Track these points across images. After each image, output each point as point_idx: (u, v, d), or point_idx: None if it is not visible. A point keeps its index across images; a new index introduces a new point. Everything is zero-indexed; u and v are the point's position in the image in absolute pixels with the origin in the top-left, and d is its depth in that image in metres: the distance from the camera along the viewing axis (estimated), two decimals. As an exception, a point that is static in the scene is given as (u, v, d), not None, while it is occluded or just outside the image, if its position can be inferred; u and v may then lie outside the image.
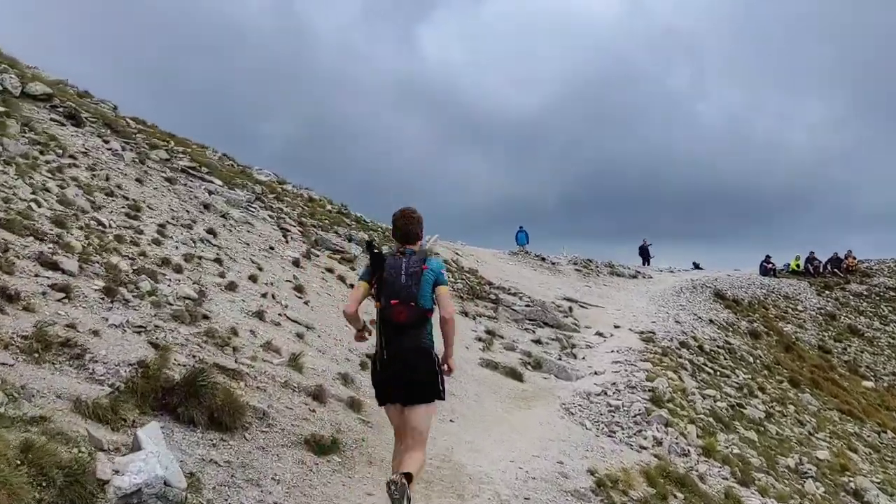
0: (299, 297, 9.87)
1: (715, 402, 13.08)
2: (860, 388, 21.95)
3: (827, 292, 32.13)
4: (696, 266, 40.54)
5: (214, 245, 10.13)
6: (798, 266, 34.67)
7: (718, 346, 18.58)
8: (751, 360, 18.97)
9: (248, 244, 11.53)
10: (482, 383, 10.40)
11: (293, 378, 6.82)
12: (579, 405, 10.49)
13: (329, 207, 20.64)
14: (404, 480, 4.19)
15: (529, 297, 19.60)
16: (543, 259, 31.15)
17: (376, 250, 4.71)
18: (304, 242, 14.50)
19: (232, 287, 8.75)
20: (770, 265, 34.09)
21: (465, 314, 15.37)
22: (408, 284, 4.49)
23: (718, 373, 16.00)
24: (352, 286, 10.01)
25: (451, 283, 17.45)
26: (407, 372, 4.52)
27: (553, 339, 15.41)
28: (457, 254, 27.37)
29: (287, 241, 13.61)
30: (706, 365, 16.20)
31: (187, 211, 11.41)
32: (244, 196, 15.22)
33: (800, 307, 30.00)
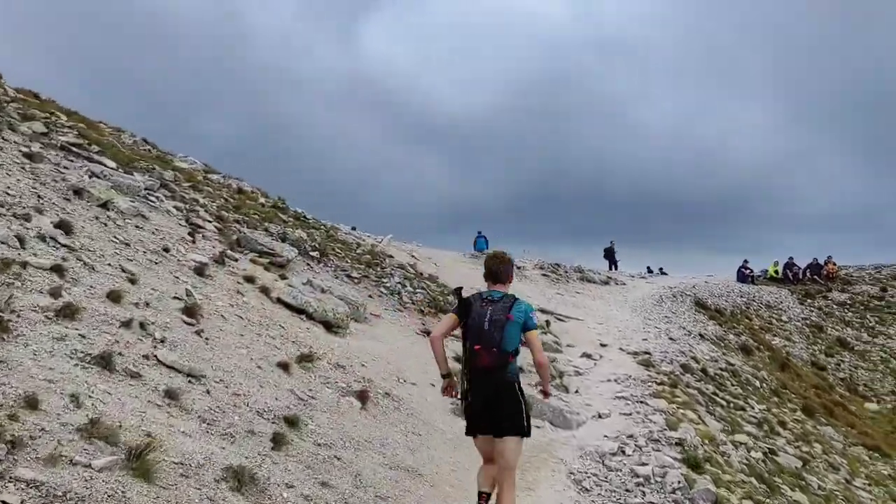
0: (189, 325, 6.61)
1: (748, 451, 10.23)
2: (865, 412, 19.56)
3: (809, 301, 30.00)
4: (661, 271, 38.27)
5: (62, 245, 6.79)
6: (776, 272, 32.52)
7: (721, 369, 15.86)
8: (757, 384, 16.31)
9: (127, 244, 8.20)
10: (457, 446, 7.30)
11: (128, 495, 3.61)
12: (594, 475, 7.47)
13: (262, 201, 17.26)
14: None
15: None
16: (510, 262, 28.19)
17: (463, 296, 4.94)
18: (220, 242, 11.19)
19: (68, 313, 5.45)
20: (748, 271, 31.84)
21: (428, 334, 12.23)
22: (490, 331, 4.70)
23: (732, 405, 13.23)
24: (279, 300, 9.31)
25: (409, 292, 14.33)
26: (494, 407, 4.72)
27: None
28: (413, 257, 24.28)
29: (194, 241, 10.30)
30: (717, 395, 13.41)
31: (39, 196, 8.01)
32: (143, 182, 11.80)
33: (784, 317, 27.73)
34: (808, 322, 27.64)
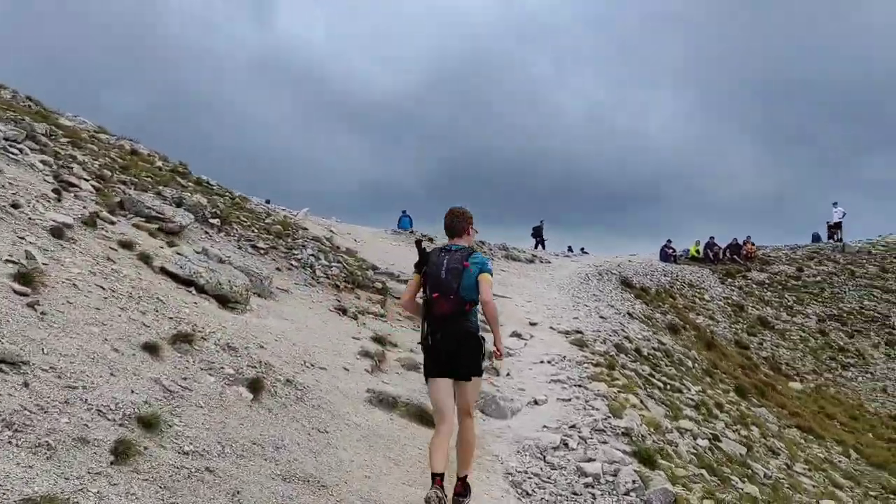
0: (19, 296, 5.04)
1: (694, 439, 9.36)
2: (790, 392, 19.35)
3: (729, 280, 30.04)
4: (583, 251, 37.93)
5: None
6: (698, 252, 32.49)
7: (654, 349, 15.11)
8: (689, 364, 15.67)
9: (-44, 196, 6.48)
10: (373, 444, 6.01)
11: None
12: (535, 475, 6.31)
13: (160, 164, 15.37)
14: (439, 499, 4.54)
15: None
16: (431, 240, 26.98)
17: (423, 247, 5.23)
18: (96, 203, 9.47)
19: None
20: (671, 250, 31.67)
21: (343, 311, 10.87)
22: (447, 279, 4.87)
23: (669, 386, 12.43)
24: (163, 269, 8.15)
25: (324, 266, 12.88)
26: (455, 354, 4.90)
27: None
28: (331, 231, 22.79)
29: (59, 200, 8.57)
30: (653, 377, 12.58)
31: None
32: (4, 131, 9.91)
33: (706, 296, 27.60)
34: (729, 301, 27.59)
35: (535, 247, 33.88)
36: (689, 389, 12.85)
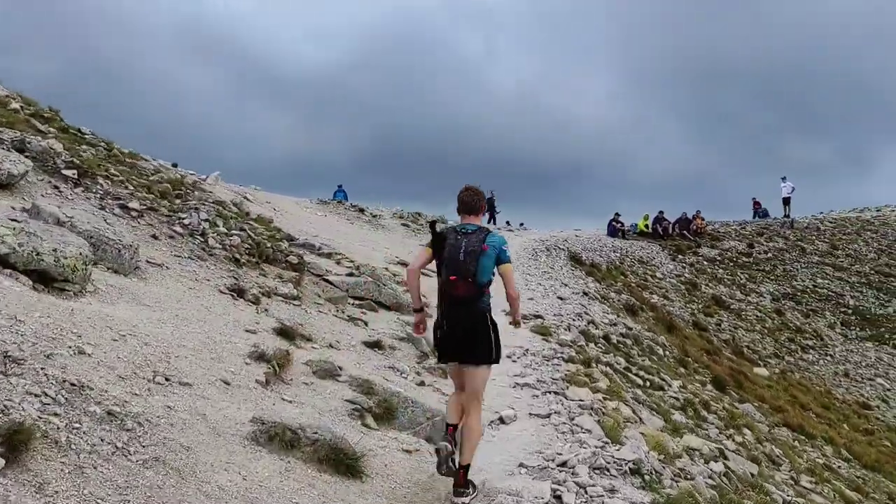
0: None
1: (706, 463, 7.10)
2: (759, 379, 17.59)
3: (680, 257, 28.39)
4: (521, 226, 35.79)
5: None
6: (646, 227, 30.74)
7: (622, 335, 12.93)
8: (660, 352, 13.56)
9: None
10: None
11: None
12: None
13: (16, 106, 12.16)
14: (465, 498, 4.61)
15: (352, 262, 12.71)
16: (362, 210, 24.29)
17: (437, 230, 4.94)
18: None
19: None
20: (619, 225, 29.80)
21: (240, 293, 8.15)
22: (465, 262, 4.69)
23: (649, 383, 10.22)
24: None
25: (220, 234, 10.09)
26: (465, 338, 4.77)
27: (401, 339, 8.68)
28: (245, 198, 19.81)
29: None
30: (630, 370, 10.36)
31: None
32: None
33: (658, 274, 25.81)
34: (682, 279, 25.88)
35: (489, 221, 31.51)
36: (671, 386, 10.68)
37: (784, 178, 35.76)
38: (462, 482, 4.66)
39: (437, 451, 4.68)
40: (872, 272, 29.04)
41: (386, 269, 13.38)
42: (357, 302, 10.43)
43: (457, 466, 4.68)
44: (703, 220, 31.71)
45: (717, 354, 18.03)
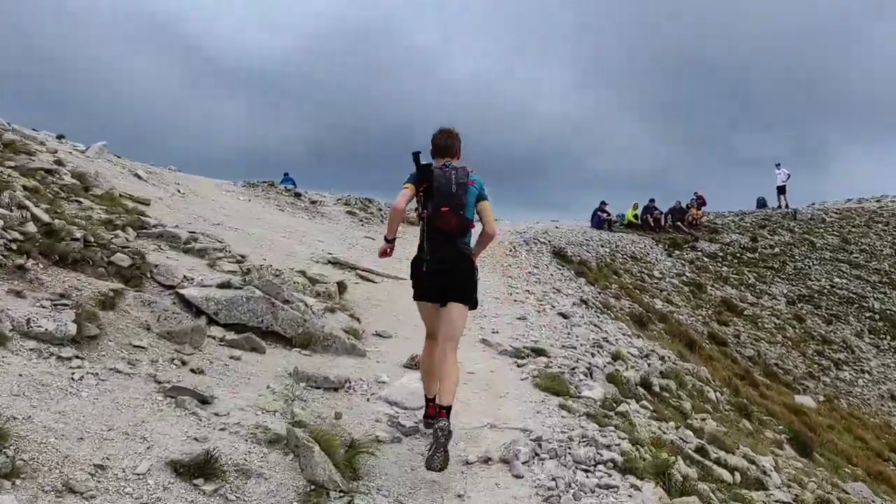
0: None
1: None
2: (809, 415, 13.44)
3: (677, 252, 24.28)
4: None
5: None
6: (636, 217, 26.58)
7: (662, 374, 8.58)
8: (713, 395, 9.26)
9: None
10: None
11: None
12: None
13: None
14: (448, 426, 4.20)
15: (239, 261, 8.13)
16: (298, 196, 19.61)
17: (425, 163, 4.71)
18: None
19: None
20: (605, 215, 25.57)
21: None
22: (458, 193, 4.58)
23: (739, 476, 5.85)
24: None
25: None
26: (450, 274, 4.64)
27: (274, 442, 4.09)
28: (137, 175, 15.33)
29: None
30: (706, 456, 5.96)
31: None
32: None
33: (655, 272, 21.65)
34: (683, 279, 21.75)
35: None
36: (769, 476, 6.32)
37: (778, 165, 31.96)
38: (445, 415, 4.27)
39: (439, 430, 4.14)
40: (893, 270, 25.32)
41: (304, 273, 8.81)
42: (230, 336, 5.88)
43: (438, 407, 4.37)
44: (699, 209, 27.68)
45: (747, 377, 13.88)
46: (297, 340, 6.40)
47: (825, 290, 23.35)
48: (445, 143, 4.81)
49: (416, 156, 4.74)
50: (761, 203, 31.43)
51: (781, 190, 31.60)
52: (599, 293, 15.71)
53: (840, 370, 18.28)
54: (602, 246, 22.45)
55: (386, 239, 5.06)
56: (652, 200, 26.95)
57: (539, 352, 7.10)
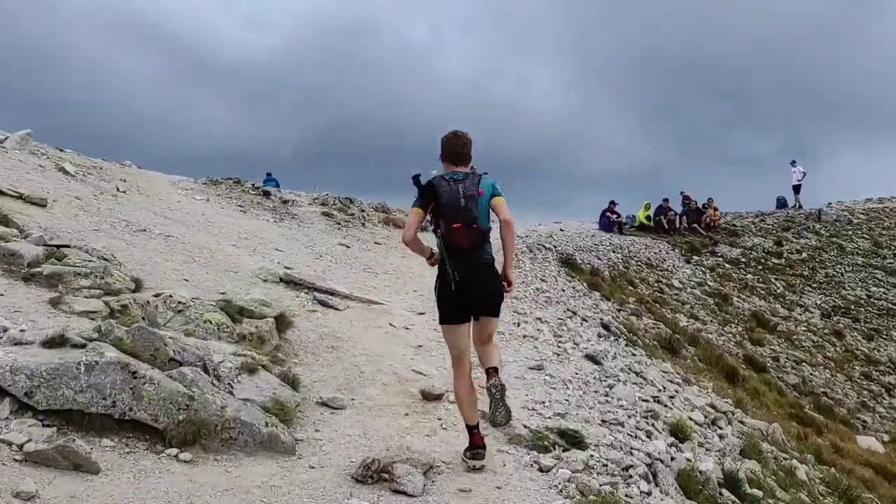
0: None
1: None
2: (868, 456, 10.91)
3: (696, 258, 21.75)
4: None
5: None
6: (648, 218, 24.03)
7: (742, 452, 6.01)
8: (797, 470, 6.69)
9: None
10: None
11: None
12: None
13: None
14: (500, 381, 4.30)
15: (129, 285, 5.49)
16: (268, 194, 17.00)
17: (424, 182, 4.45)
18: None
19: None
20: (615, 216, 23.03)
21: None
22: (467, 207, 4.35)
23: None
24: None
25: None
26: (476, 289, 4.40)
27: None
28: (62, 170, 12.95)
29: None
30: None
31: None
32: None
33: (675, 282, 19.12)
34: (705, 289, 19.22)
35: None
36: None
37: (794, 162, 29.40)
38: (496, 378, 4.32)
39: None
40: (934, 277, 22.84)
41: (231, 302, 6.19)
42: (38, 441, 3.31)
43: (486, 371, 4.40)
44: (716, 209, 25.17)
45: (809, 421, 11.35)
46: (173, 434, 3.82)
47: (861, 301, 20.85)
48: (460, 150, 4.62)
49: (416, 179, 4.51)
50: (781, 203, 28.91)
51: (796, 189, 29.13)
52: (619, 311, 13.17)
53: (893, 396, 15.78)
54: (613, 251, 19.92)
55: (426, 257, 4.67)
56: (665, 200, 24.40)
57: (572, 438, 4.53)
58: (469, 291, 4.35)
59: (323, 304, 7.91)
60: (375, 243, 14.55)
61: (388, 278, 10.43)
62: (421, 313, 8.20)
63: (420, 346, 6.75)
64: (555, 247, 17.74)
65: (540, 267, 14.50)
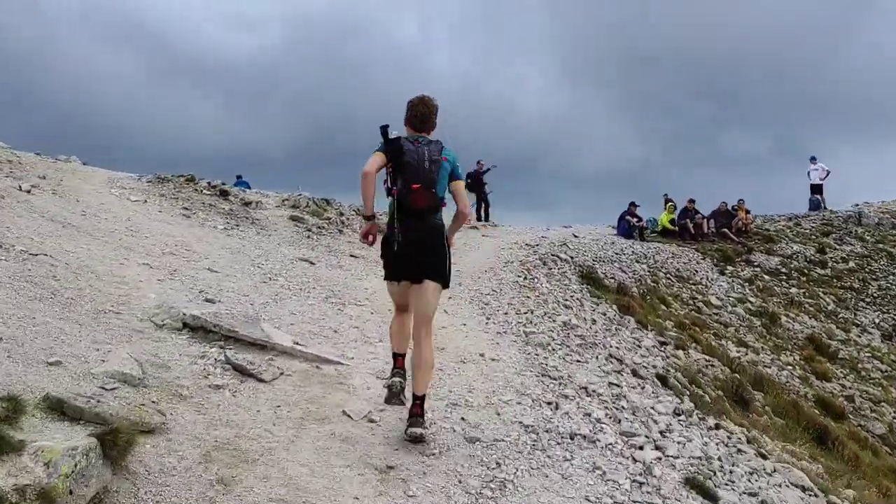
0: None
1: None
2: None
3: (730, 268, 18.79)
4: (487, 219, 25.46)
5: None
6: (672, 222, 21.05)
7: None
8: None
9: None
10: None
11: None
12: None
13: None
14: (419, 432, 4.24)
15: None
16: (226, 194, 14.00)
17: (394, 134, 4.49)
18: None
19: None
20: (636, 219, 20.03)
21: None
22: (430, 170, 4.41)
23: None
24: None
25: None
26: (423, 251, 4.47)
27: None
28: None
29: None
30: None
31: None
32: None
33: (711, 298, 16.15)
34: (748, 307, 16.27)
35: (479, 210, 21.51)
36: None
37: (814, 159, 26.49)
38: (419, 412, 4.39)
39: (390, 386, 4.49)
40: None
41: (15, 405, 3.22)
42: None
43: (410, 398, 4.43)
44: (748, 212, 22.22)
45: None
46: None
47: (925, 319, 17.91)
48: (426, 114, 4.58)
49: (384, 129, 4.47)
50: (815, 204, 25.96)
51: (816, 189, 26.21)
52: (663, 347, 10.20)
53: None
54: (638, 261, 16.93)
55: (365, 217, 4.58)
56: (692, 201, 21.40)
57: None
58: (413, 254, 4.41)
59: (240, 369, 4.91)
60: (351, 256, 11.57)
61: (357, 313, 7.42)
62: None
63: (391, 467, 3.77)
64: (571, 258, 14.74)
65: (559, 286, 11.53)
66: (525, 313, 8.22)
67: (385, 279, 4.70)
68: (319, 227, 13.53)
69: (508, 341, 6.75)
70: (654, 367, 7.84)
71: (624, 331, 9.99)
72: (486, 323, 7.41)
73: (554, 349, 6.73)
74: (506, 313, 8.01)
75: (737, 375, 9.98)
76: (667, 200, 22.75)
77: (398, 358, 4.58)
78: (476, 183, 21.19)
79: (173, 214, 11.73)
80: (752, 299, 16.85)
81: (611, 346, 7.87)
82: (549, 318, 8.36)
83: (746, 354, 12.88)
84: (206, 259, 8.84)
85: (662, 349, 10.06)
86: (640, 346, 9.18)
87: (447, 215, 4.59)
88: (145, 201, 12.29)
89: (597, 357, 7.17)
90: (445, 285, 4.57)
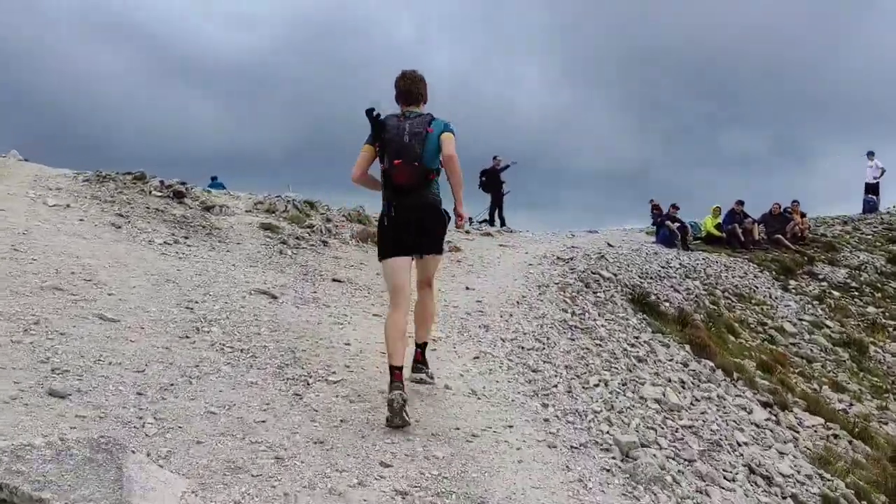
0: None
1: None
2: None
3: (793, 283, 15.79)
4: (503, 225, 22.46)
5: None
6: (718, 227, 18.04)
7: None
8: None
9: None
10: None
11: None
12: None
13: None
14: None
15: None
16: (181, 197, 11.02)
17: (375, 114, 4.44)
18: None
19: None
20: (677, 224, 17.00)
21: None
22: (411, 143, 4.32)
23: None
24: None
25: None
26: (421, 232, 4.41)
27: None
28: None
29: None
30: None
31: None
32: None
33: (784, 324, 13.17)
34: (829, 334, 13.27)
35: (492, 212, 18.73)
36: None
37: (871, 154, 23.53)
38: (420, 358, 4.58)
39: (390, 402, 4.07)
40: None
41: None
42: None
43: (415, 346, 4.58)
44: (804, 215, 19.20)
45: None
46: None
47: None
48: (408, 87, 4.50)
49: (369, 113, 4.45)
50: (871, 205, 22.95)
51: (871, 188, 23.27)
52: (770, 412, 7.19)
53: None
54: (688, 276, 13.95)
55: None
56: (740, 203, 18.39)
57: None
58: (406, 229, 4.33)
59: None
60: (334, 280, 8.56)
61: (327, 402, 4.41)
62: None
63: None
64: (615, 274, 11.77)
65: (614, 318, 8.54)
66: (597, 386, 5.22)
67: (380, 258, 4.51)
68: (298, 239, 10.57)
69: (595, 468, 3.78)
70: (808, 477, 4.83)
71: (708, 384, 7.01)
72: (545, 420, 4.43)
73: (676, 481, 3.75)
74: (569, 390, 5.01)
75: (882, 458, 6.99)
76: (654, 206, 20.47)
77: (395, 372, 4.15)
78: (492, 181, 18.29)
79: (98, 224, 8.75)
80: (828, 323, 13.86)
81: (740, 445, 4.86)
82: (633, 391, 5.36)
83: (852, 406, 9.92)
84: (110, 296, 5.85)
85: (773, 415, 7.07)
86: (764, 430, 6.17)
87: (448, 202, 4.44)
88: (67, 206, 9.38)
89: (735, 477, 4.16)
90: (439, 252, 4.56)
